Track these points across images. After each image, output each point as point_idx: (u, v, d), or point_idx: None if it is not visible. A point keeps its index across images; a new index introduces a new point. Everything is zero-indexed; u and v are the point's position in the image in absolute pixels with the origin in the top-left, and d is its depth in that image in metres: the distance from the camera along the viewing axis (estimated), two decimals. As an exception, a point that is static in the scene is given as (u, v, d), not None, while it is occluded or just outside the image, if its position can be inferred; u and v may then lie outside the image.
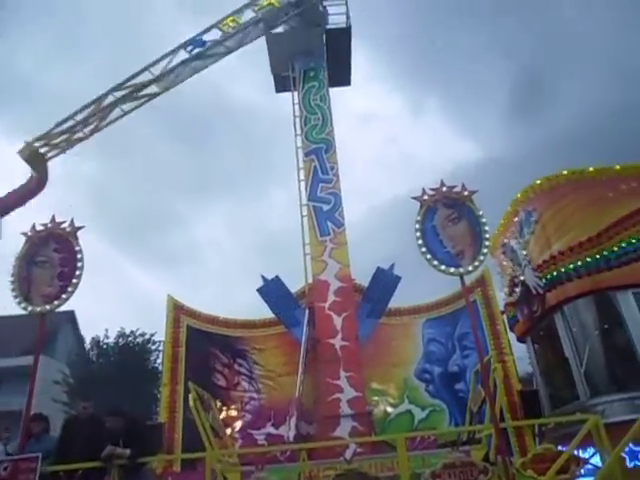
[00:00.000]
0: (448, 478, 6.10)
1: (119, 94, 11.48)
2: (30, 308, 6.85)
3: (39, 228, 7.20)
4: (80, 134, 11.24)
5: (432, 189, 7.47)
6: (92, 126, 11.33)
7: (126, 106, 11.63)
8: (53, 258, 7.02)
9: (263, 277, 11.58)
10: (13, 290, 6.91)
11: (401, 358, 11.54)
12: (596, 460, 6.07)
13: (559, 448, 6.49)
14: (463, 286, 7.11)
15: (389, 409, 11.18)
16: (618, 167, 8.37)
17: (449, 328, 11.58)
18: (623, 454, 6.13)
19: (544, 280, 8.19)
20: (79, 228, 7.20)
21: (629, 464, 6.37)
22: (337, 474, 6.17)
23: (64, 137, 11.02)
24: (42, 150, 10.76)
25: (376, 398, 11.18)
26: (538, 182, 8.59)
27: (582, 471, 6.08)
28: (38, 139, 10.77)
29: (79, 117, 11.16)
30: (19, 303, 6.85)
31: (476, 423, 8.28)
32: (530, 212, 8.58)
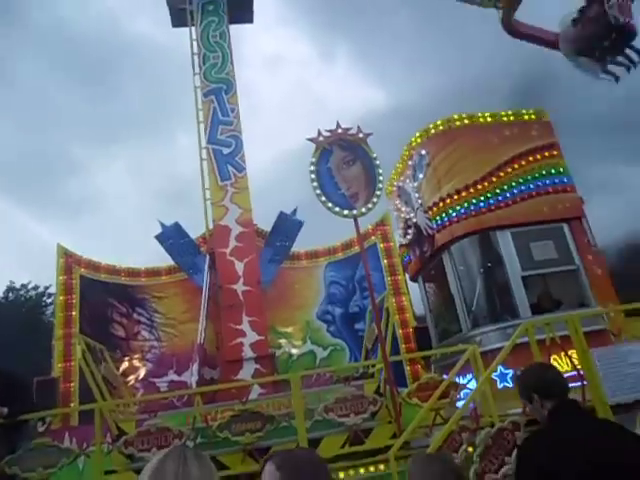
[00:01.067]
0: (340, 411, 6.41)
1: None
2: None
3: None
4: None
5: (328, 131, 7.40)
6: None
7: None
8: None
9: (161, 223, 11.15)
10: None
11: (304, 301, 11.78)
12: (473, 385, 6.64)
13: (443, 377, 7.00)
14: (357, 228, 7.22)
15: (293, 350, 11.48)
16: (504, 113, 8.77)
17: (350, 271, 11.93)
18: (494, 377, 6.75)
19: (434, 222, 8.56)
20: None
21: (499, 385, 7.01)
22: (233, 415, 6.26)
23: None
24: None
25: (280, 341, 11.41)
26: (431, 126, 8.80)
27: (461, 395, 6.62)
28: None
29: None
30: None
31: (371, 359, 8.69)
32: (423, 155, 8.81)
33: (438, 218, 8.50)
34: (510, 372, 6.95)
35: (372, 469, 5.87)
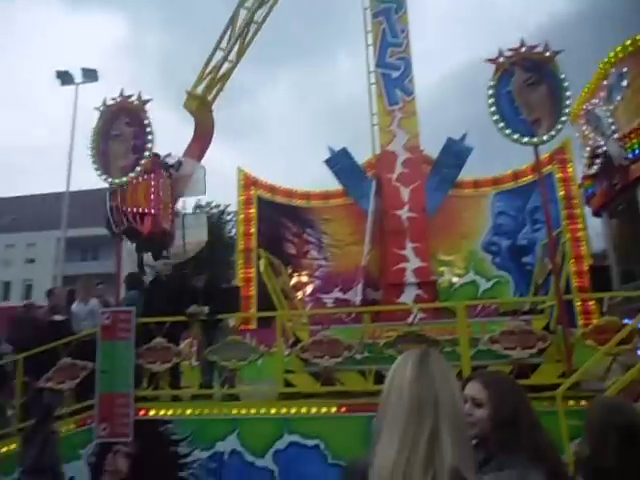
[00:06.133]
0: (506, 343, 6.35)
1: (249, 4, 10.91)
2: (110, 180, 7.32)
3: (109, 103, 7.40)
4: (228, 64, 10.90)
5: (510, 49, 6.81)
6: (236, 49, 10.91)
7: (257, 15, 11.07)
8: (125, 132, 7.30)
9: (330, 149, 11.52)
10: (94, 163, 7.35)
11: (469, 230, 11.46)
12: (662, 334, 6.01)
13: (625, 322, 6.45)
14: (537, 157, 6.74)
15: (454, 279, 11.39)
16: None
17: (520, 201, 11.20)
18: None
19: (630, 151, 7.53)
20: (147, 101, 7.34)
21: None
22: (398, 335, 6.57)
23: (217, 73, 10.79)
24: (207, 97, 10.65)
25: (442, 268, 11.38)
26: (637, 38, 7.53)
27: (646, 344, 6.07)
28: (197, 85, 10.62)
29: (223, 45, 10.79)
30: (100, 175, 7.32)
31: (541, 295, 8.32)
32: (622, 75, 7.64)
33: (636, 147, 7.46)
34: None
35: (535, 405, 5.79)
